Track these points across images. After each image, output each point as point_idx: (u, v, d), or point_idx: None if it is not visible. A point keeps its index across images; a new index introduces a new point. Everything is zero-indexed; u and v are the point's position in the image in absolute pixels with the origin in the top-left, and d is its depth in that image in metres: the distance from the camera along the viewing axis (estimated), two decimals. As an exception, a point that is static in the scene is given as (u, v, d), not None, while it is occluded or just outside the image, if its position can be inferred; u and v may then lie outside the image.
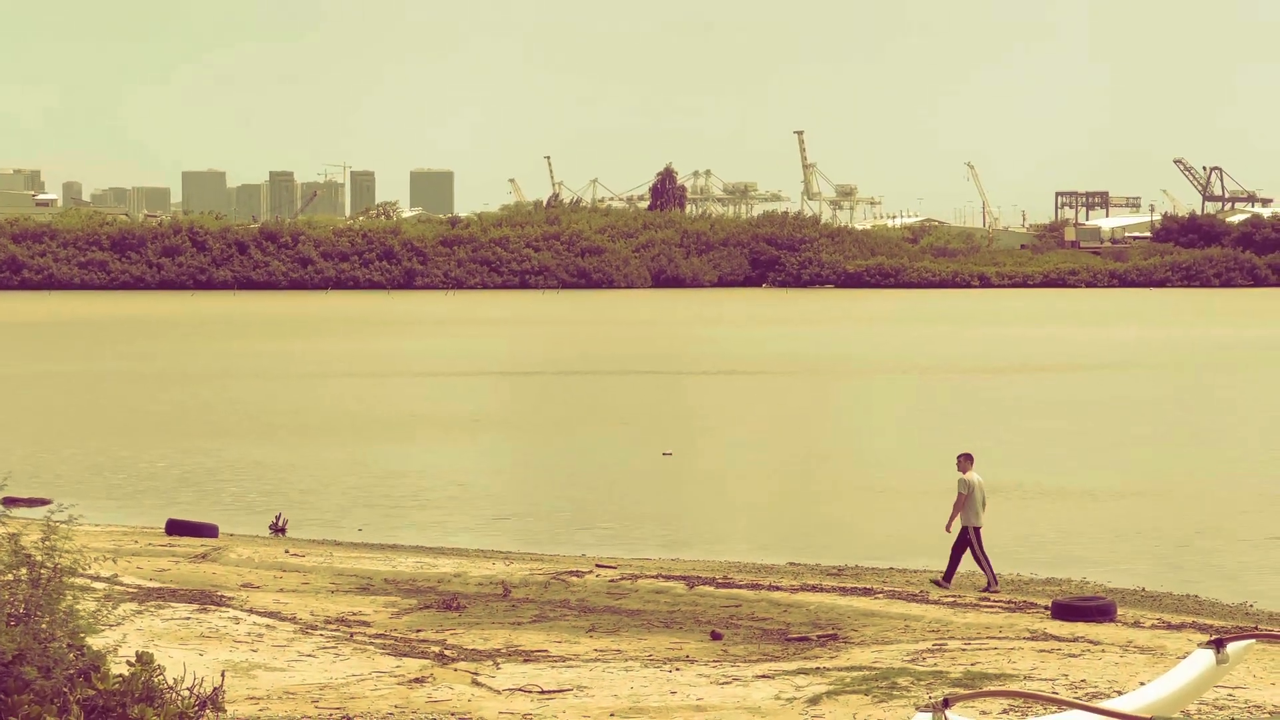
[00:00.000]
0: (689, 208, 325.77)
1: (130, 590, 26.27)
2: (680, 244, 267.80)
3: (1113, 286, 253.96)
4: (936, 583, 30.42)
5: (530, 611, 26.62)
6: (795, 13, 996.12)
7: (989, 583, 30.15)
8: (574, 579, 29.89)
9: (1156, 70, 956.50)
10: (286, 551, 33.34)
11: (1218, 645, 12.13)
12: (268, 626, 24.75)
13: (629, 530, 38.82)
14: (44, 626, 12.22)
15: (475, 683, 21.12)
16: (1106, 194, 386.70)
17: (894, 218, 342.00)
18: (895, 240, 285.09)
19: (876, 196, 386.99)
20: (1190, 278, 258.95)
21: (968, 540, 30.17)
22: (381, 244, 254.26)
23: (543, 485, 47.61)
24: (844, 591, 28.89)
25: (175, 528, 36.00)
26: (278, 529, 38.00)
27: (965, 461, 30.50)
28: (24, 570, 12.42)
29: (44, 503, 37.22)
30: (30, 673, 11.86)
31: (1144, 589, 30.38)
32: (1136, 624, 25.62)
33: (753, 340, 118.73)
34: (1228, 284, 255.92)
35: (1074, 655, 22.74)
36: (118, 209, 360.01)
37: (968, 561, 30.22)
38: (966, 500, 30.15)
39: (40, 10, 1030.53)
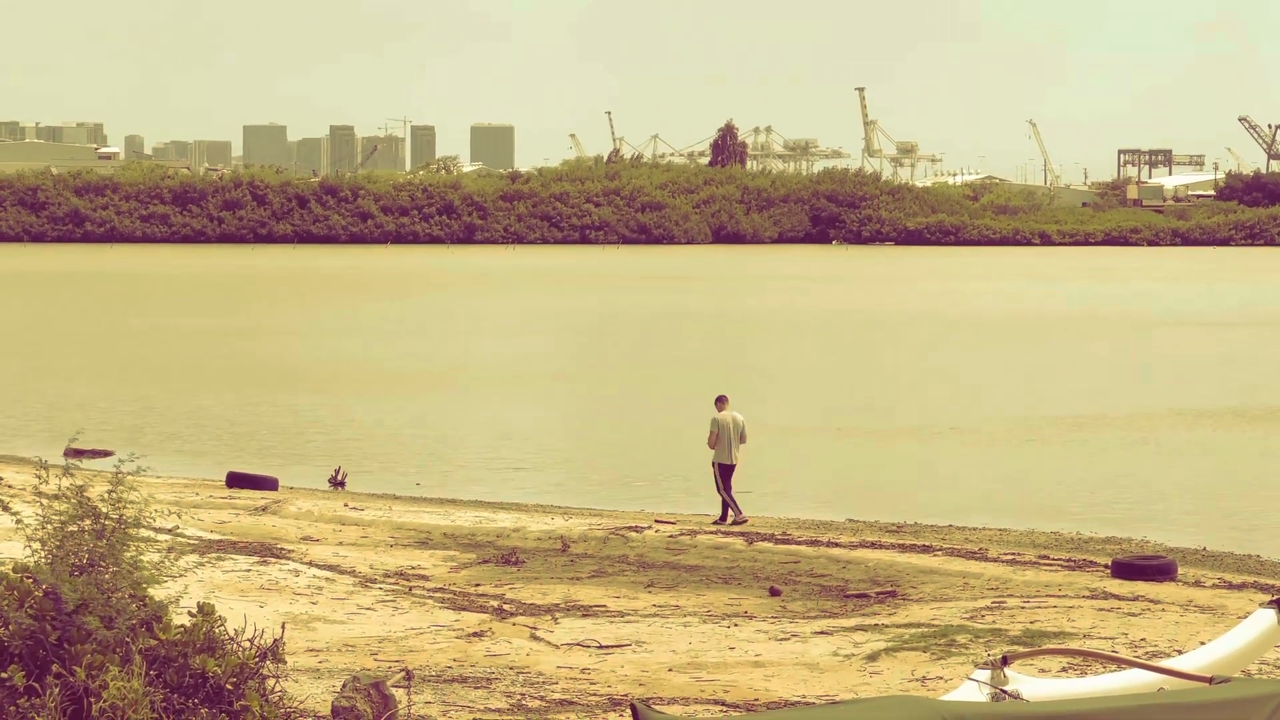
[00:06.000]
0: (749, 164, 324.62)
1: (191, 542, 26.42)
2: (741, 200, 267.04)
3: (1175, 245, 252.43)
4: (719, 522, 31.45)
5: (589, 566, 26.68)
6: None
7: (721, 517, 31.63)
8: (633, 534, 29.94)
9: (1220, 27, 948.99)
10: (345, 505, 33.47)
11: (1279, 605, 12.08)
12: (327, 579, 24.88)
13: (688, 486, 38.81)
14: (107, 577, 12.30)
15: (534, 637, 21.19)
16: (1170, 152, 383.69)
17: (955, 175, 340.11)
18: (956, 198, 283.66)
19: (937, 154, 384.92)
20: (1254, 236, 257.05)
21: (724, 475, 31.81)
22: (441, 199, 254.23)
23: (602, 441, 47.66)
24: (903, 548, 28.86)
25: (236, 480, 36.17)
26: (337, 482, 38.11)
27: (721, 402, 32.29)
28: (88, 521, 12.50)
29: (106, 454, 37.43)
30: (93, 622, 11.94)
31: (1205, 548, 30.23)
32: (1197, 583, 25.52)
33: (814, 295, 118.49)
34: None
35: (1134, 614, 22.67)
36: (179, 162, 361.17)
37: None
38: (718, 439, 31.76)
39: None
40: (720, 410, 32.19)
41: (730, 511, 31.80)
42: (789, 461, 43.58)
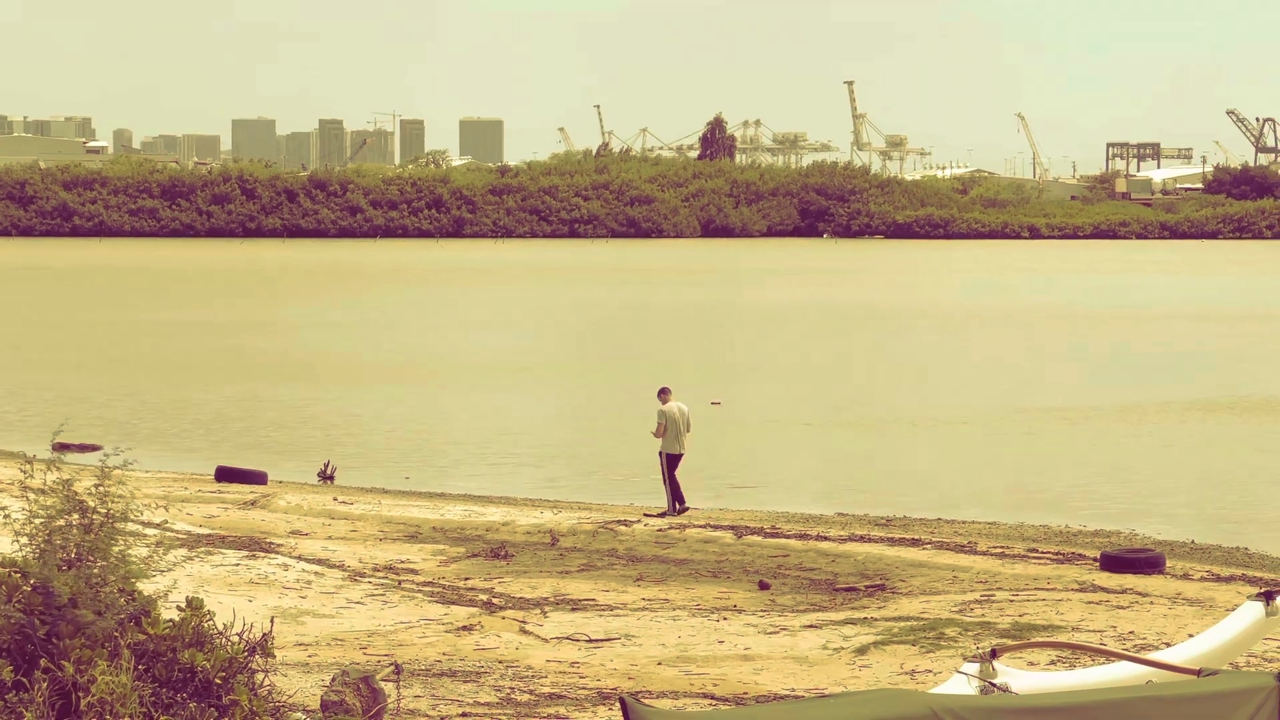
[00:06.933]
0: (738, 157, 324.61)
1: (180, 536, 26.41)
2: (730, 193, 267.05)
3: (1163, 238, 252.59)
4: (665, 514, 31.68)
5: (578, 560, 26.67)
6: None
7: (669, 509, 31.89)
8: (622, 528, 29.94)
9: (1208, 21, 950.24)
10: (335, 499, 33.46)
11: (1267, 598, 12.08)
12: (316, 573, 24.87)
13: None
14: (96, 571, 12.28)
15: (523, 631, 21.19)
16: (1158, 145, 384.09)
17: (944, 169, 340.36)
18: (945, 191, 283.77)
19: (926, 147, 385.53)
20: (1242, 230, 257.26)
21: (671, 465, 32.21)
22: (431, 192, 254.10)
23: (591, 434, 47.64)
24: (892, 542, 28.86)
25: (225, 474, 36.15)
26: (326, 476, 38.09)
27: (664, 394, 32.81)
28: (76, 515, 12.48)
29: (95, 449, 37.41)
30: (86, 616, 11.92)
31: (1193, 541, 30.27)
32: (1185, 576, 25.55)
33: (803, 288, 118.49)
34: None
35: (1122, 607, 22.70)
36: (168, 156, 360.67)
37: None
38: (665, 429, 32.24)
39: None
40: (664, 402, 32.63)
41: (675, 503, 32.10)
42: (778, 455, 43.63)
